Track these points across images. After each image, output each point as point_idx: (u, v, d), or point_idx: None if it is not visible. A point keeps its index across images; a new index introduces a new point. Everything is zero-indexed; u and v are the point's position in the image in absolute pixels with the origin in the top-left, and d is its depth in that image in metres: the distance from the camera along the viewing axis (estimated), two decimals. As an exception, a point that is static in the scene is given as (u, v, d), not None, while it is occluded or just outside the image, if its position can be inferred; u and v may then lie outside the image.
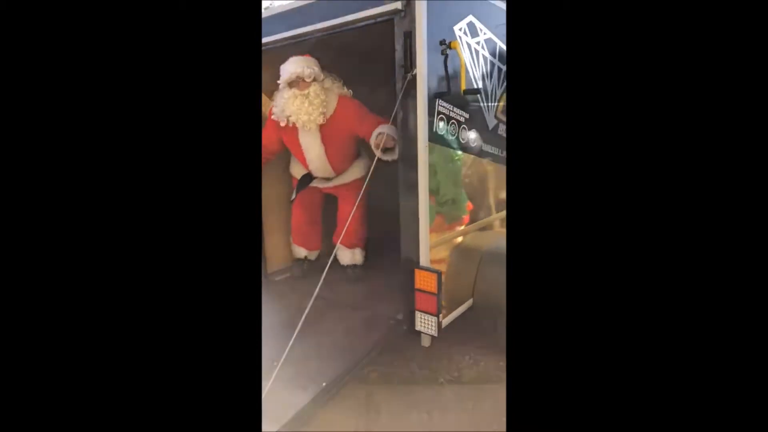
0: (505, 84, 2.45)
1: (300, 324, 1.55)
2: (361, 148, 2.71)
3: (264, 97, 2.71)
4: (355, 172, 2.67)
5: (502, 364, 2.35)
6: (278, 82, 2.33)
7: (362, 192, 1.89)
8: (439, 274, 1.92)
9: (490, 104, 2.35)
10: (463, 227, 2.29)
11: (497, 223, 2.62)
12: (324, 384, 1.73)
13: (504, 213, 2.67)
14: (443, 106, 1.96)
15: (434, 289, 1.92)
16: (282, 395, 1.53)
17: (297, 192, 2.67)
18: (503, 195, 2.66)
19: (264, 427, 1.46)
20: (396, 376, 2.24)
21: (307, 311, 1.58)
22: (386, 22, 1.87)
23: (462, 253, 2.31)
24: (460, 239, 2.29)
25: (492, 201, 2.56)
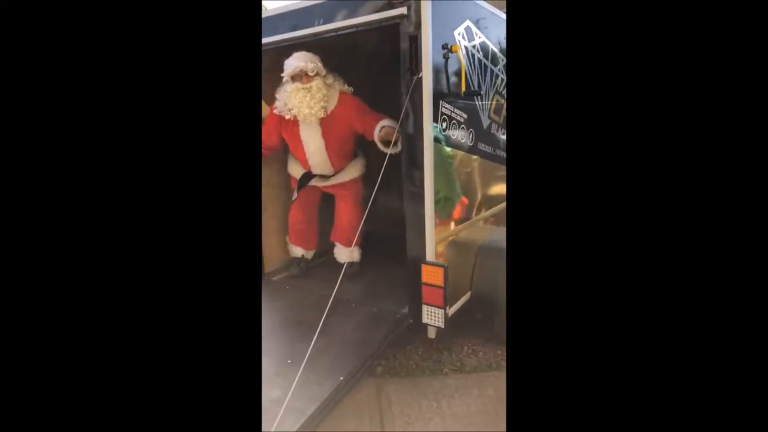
0: (495, 85, 2.56)
1: (321, 322, 1.59)
2: (358, 148, 2.76)
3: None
4: (353, 171, 2.72)
5: (500, 352, 2.47)
6: (282, 75, 2.36)
7: (374, 188, 1.94)
8: (445, 268, 2.00)
9: (484, 104, 2.45)
10: (452, 223, 2.38)
11: (481, 223, 2.70)
12: (341, 378, 1.77)
13: (492, 210, 2.78)
14: (446, 107, 2.05)
15: (441, 283, 2.01)
16: (302, 390, 1.57)
17: (298, 191, 2.69)
18: (493, 191, 2.77)
19: (293, 421, 1.51)
20: (402, 368, 2.32)
21: (327, 310, 1.62)
22: (392, 26, 1.92)
23: (459, 247, 2.40)
24: (454, 233, 2.38)
25: (480, 196, 2.66)
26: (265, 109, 2.75)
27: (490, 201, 2.73)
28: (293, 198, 2.73)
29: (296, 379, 1.47)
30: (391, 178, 2.11)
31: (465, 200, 2.46)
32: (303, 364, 1.50)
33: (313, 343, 1.55)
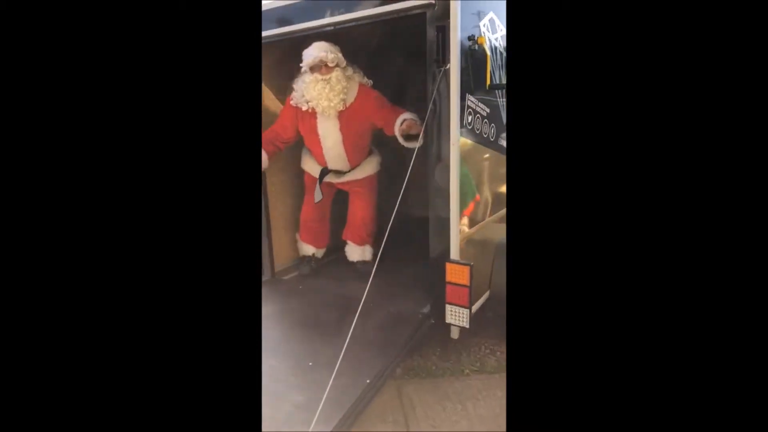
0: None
1: (353, 324, 1.53)
2: (373, 145, 2.68)
3: (266, 91, 2.63)
4: (368, 168, 2.64)
5: (519, 351, 2.43)
6: (300, 65, 2.27)
7: (403, 184, 1.86)
8: (471, 266, 1.95)
9: (503, 99, 2.40)
10: (465, 219, 2.32)
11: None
12: (368, 381, 1.71)
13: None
14: (471, 101, 1.99)
15: (467, 282, 1.95)
16: (330, 394, 1.50)
17: (320, 190, 2.60)
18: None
19: (323, 425, 1.44)
20: (422, 369, 2.26)
21: (358, 312, 1.56)
22: (417, 15, 1.86)
23: (477, 246, 2.35)
24: (472, 232, 2.33)
25: (495, 193, 2.61)
26: (276, 103, 2.66)
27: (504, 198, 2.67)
28: (318, 198, 2.62)
29: (330, 383, 1.40)
30: (398, 177, 2.05)
31: (478, 197, 2.41)
32: (336, 368, 1.43)
33: (345, 345, 1.48)
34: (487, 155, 2.34)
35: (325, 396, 1.39)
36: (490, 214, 2.52)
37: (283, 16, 2.19)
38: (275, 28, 2.22)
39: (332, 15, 2.06)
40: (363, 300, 1.58)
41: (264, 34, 2.27)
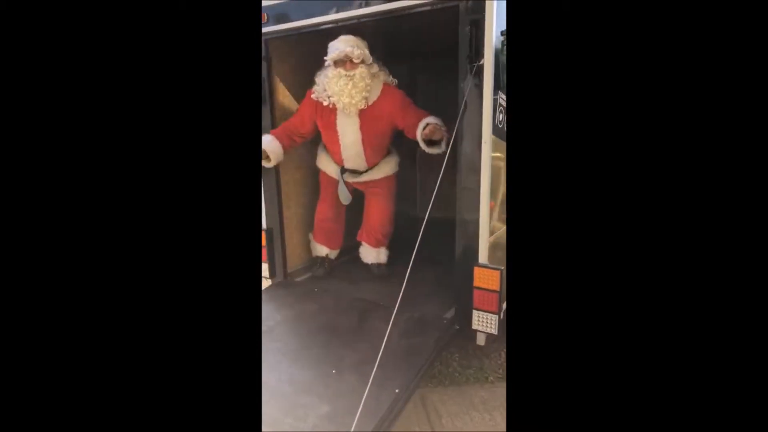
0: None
1: (387, 333, 1.45)
2: (391, 145, 2.60)
3: (282, 88, 2.53)
4: (386, 168, 2.55)
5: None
6: (325, 59, 2.18)
7: (435, 188, 1.78)
8: (502, 271, 1.87)
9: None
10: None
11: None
12: (396, 391, 1.62)
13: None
14: (502, 98, 1.91)
15: (496, 287, 1.88)
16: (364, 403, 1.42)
17: (347, 191, 2.52)
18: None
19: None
20: (445, 377, 2.18)
21: (391, 321, 1.47)
22: (450, 9, 1.78)
23: (503, 249, 2.28)
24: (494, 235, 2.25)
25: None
26: (291, 100, 2.57)
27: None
28: (347, 200, 2.54)
29: (366, 393, 1.32)
30: (408, 179, 1.97)
31: (492, 204, 2.33)
32: (371, 379, 1.35)
33: (380, 355, 1.40)
34: (498, 154, 2.25)
35: (360, 407, 1.30)
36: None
37: (306, 9, 2.11)
38: (299, 20, 2.13)
39: (360, 7, 1.97)
40: (394, 314, 1.49)
41: (284, 27, 2.19)
